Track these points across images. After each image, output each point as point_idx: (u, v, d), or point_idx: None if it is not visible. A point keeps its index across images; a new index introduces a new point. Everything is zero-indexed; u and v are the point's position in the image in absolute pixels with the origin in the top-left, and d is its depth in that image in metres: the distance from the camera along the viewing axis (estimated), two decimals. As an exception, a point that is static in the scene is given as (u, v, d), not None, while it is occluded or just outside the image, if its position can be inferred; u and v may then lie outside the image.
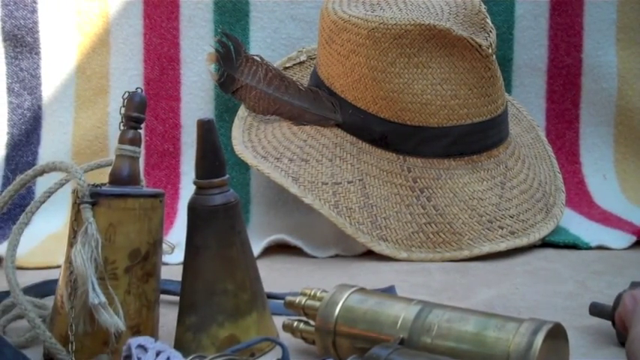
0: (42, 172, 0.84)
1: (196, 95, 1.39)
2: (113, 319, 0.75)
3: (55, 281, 0.88)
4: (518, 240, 1.19)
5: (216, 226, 0.82)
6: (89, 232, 0.76)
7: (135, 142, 0.81)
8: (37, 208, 0.83)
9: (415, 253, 1.17)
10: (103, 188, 0.80)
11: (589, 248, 1.21)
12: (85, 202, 0.78)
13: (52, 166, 0.83)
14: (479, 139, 1.21)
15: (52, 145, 1.36)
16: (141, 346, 0.69)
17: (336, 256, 1.20)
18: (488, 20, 1.21)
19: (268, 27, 1.39)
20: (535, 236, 1.20)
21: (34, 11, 1.36)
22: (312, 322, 0.83)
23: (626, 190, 1.42)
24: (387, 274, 1.10)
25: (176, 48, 1.39)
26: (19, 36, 1.35)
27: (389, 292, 1.00)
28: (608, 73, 1.44)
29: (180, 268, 0.83)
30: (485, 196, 1.20)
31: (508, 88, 1.43)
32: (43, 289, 0.97)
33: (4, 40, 1.35)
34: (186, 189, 1.36)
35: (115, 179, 0.81)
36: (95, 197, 0.78)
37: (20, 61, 1.36)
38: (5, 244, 0.84)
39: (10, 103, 1.36)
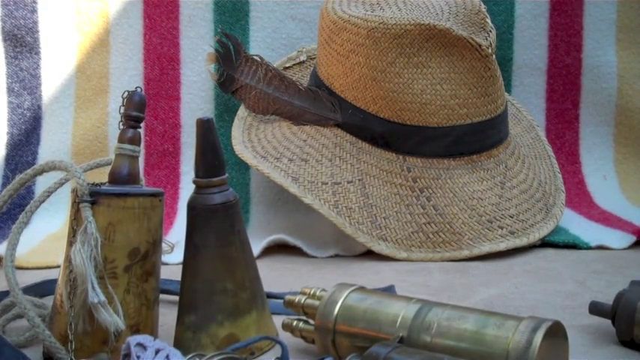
0: (41, 172, 0.84)
1: (196, 95, 1.39)
2: (112, 318, 0.74)
3: (55, 281, 0.88)
4: (518, 240, 1.19)
5: (215, 225, 0.82)
6: (89, 231, 0.76)
7: (134, 141, 0.81)
8: (37, 207, 0.83)
9: (415, 253, 1.17)
10: (103, 187, 0.80)
11: (589, 248, 1.20)
12: (85, 201, 0.78)
13: (51, 165, 0.82)
14: (479, 138, 1.21)
15: (52, 145, 1.36)
16: (140, 344, 0.69)
17: (336, 256, 1.20)
18: (488, 20, 1.21)
19: (268, 27, 1.39)
20: (535, 236, 1.20)
21: (34, 11, 1.36)
22: (311, 321, 0.82)
23: (626, 190, 1.42)
24: (386, 274, 1.10)
25: (176, 48, 1.39)
26: (19, 36, 1.35)
27: (388, 291, 1.00)
28: (608, 73, 1.44)
29: (180, 267, 0.83)
30: (484, 196, 1.20)
31: (508, 88, 1.44)
32: (43, 288, 0.97)
33: (4, 40, 1.35)
34: (186, 189, 1.36)
35: (115, 178, 0.81)
36: (94, 196, 0.78)
37: (20, 61, 1.36)
38: (5, 243, 0.84)
39: (10, 103, 1.36)
